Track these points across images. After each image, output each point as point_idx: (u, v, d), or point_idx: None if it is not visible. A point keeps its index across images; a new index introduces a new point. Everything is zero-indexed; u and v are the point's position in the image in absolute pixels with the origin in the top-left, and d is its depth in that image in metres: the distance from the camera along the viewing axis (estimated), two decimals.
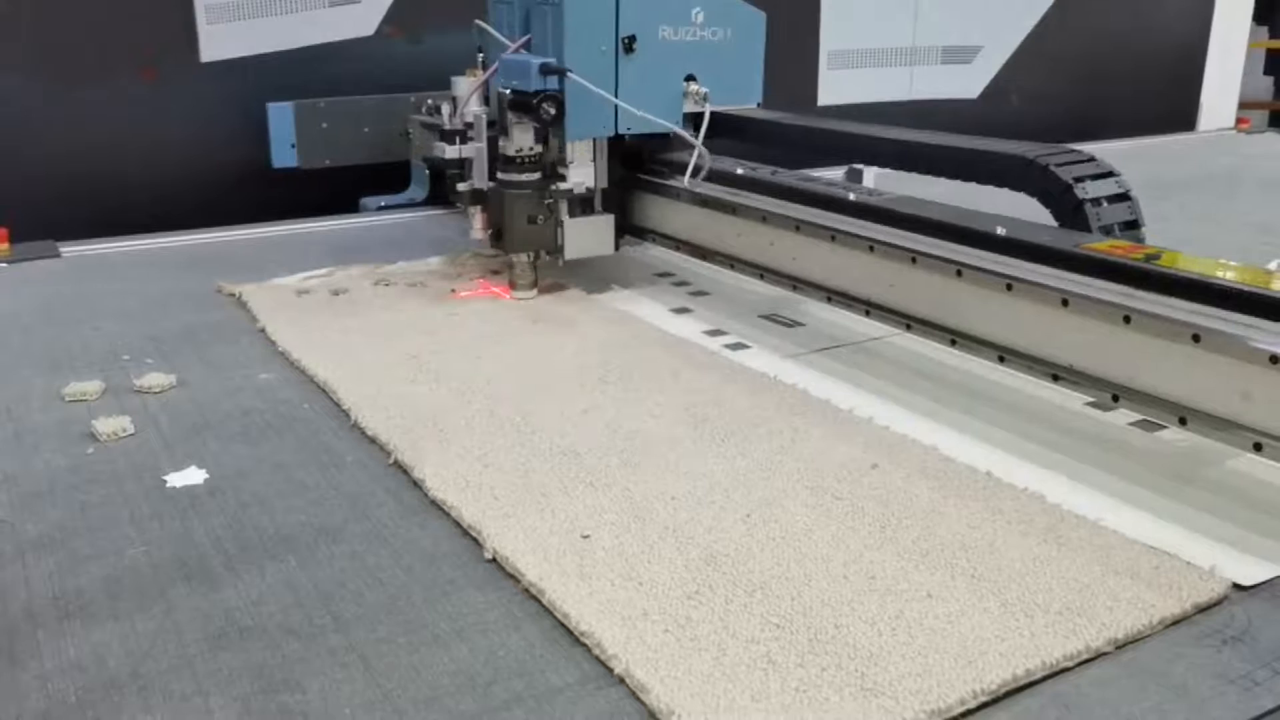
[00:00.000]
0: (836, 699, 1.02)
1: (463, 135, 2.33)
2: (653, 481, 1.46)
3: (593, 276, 2.50)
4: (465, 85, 2.38)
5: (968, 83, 4.74)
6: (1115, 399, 1.53)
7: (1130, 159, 4.32)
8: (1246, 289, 1.39)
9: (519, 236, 2.30)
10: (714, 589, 1.20)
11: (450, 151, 2.33)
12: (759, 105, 2.47)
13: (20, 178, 2.99)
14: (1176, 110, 5.47)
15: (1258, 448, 1.35)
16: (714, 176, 2.27)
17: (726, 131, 2.36)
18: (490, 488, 1.44)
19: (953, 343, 1.78)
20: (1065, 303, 1.57)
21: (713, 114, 2.32)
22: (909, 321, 1.86)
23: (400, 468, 1.52)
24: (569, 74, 2.16)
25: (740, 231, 2.26)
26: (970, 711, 1.01)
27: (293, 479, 1.50)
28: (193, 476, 1.50)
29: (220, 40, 3.22)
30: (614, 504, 1.40)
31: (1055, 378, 1.61)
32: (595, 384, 1.82)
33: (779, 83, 4.16)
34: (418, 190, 3.39)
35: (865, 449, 1.58)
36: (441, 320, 2.17)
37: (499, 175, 2.30)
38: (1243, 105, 5.69)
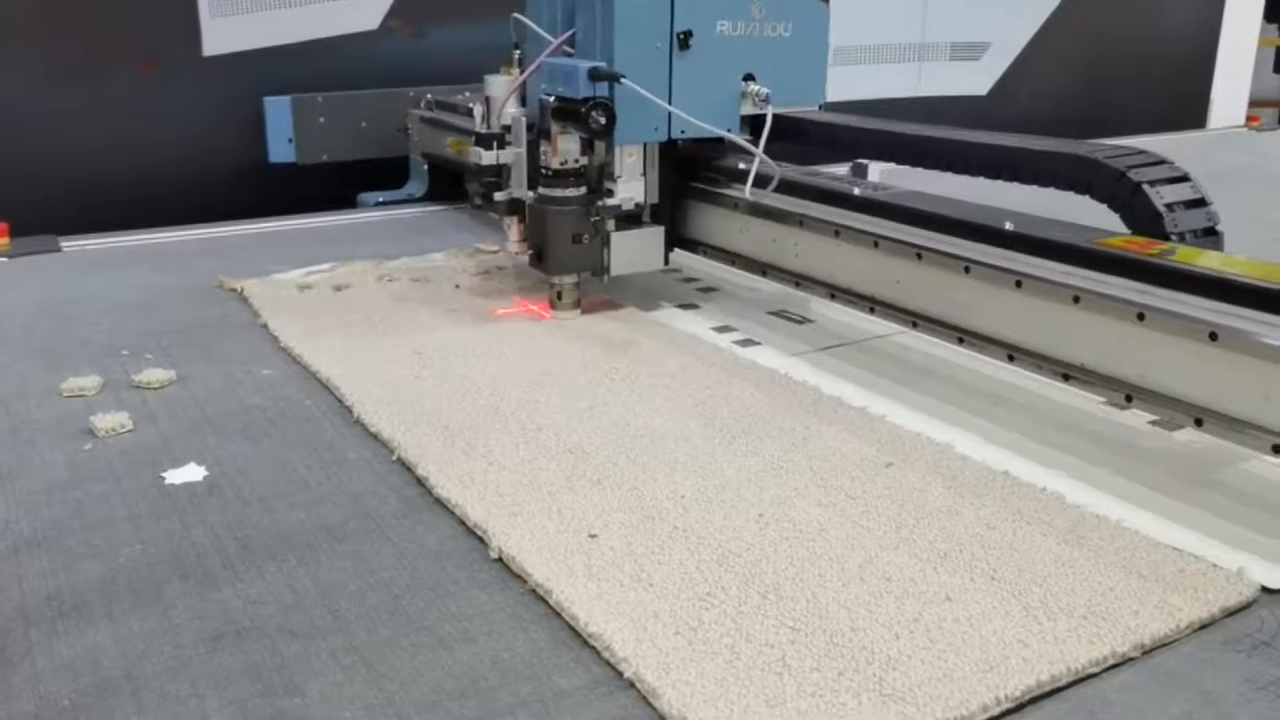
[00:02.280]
0: (854, 704, 0.98)
1: (500, 139, 2.14)
2: (662, 480, 1.43)
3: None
4: (501, 85, 2.16)
5: (976, 79, 4.70)
6: (1129, 399, 1.48)
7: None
8: (1265, 285, 1.35)
9: (562, 257, 2.10)
10: (726, 590, 1.17)
11: (487, 158, 2.14)
12: (821, 107, 2.27)
13: (20, 172, 2.96)
14: (1186, 108, 5.43)
15: (1277, 450, 1.31)
16: (738, 178, 2.17)
17: (788, 135, 2.16)
18: (495, 485, 1.41)
19: (960, 341, 1.74)
20: (1076, 299, 1.52)
21: (775, 116, 2.12)
22: (915, 319, 1.82)
23: (403, 465, 1.49)
24: (623, 80, 1.94)
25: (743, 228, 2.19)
26: (994, 718, 0.98)
27: (294, 476, 1.47)
28: (192, 474, 1.47)
29: (223, 34, 3.19)
30: (623, 503, 1.37)
31: (1066, 377, 1.56)
32: (602, 380, 1.79)
33: None
34: (416, 186, 3.36)
35: (878, 447, 1.54)
36: (445, 320, 2.14)
37: (540, 190, 2.09)
38: (1253, 103, 5.65)
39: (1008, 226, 1.67)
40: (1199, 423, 1.39)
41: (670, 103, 2.05)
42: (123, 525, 1.33)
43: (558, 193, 2.07)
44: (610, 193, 2.12)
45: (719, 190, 2.26)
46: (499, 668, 1.06)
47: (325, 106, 3.25)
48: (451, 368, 1.84)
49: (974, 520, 1.32)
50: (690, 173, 2.33)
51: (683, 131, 2.08)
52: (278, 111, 3.20)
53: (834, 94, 4.29)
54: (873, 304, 1.90)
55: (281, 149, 3.22)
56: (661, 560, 1.23)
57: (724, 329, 2.10)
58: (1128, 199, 1.64)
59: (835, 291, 1.99)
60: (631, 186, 2.13)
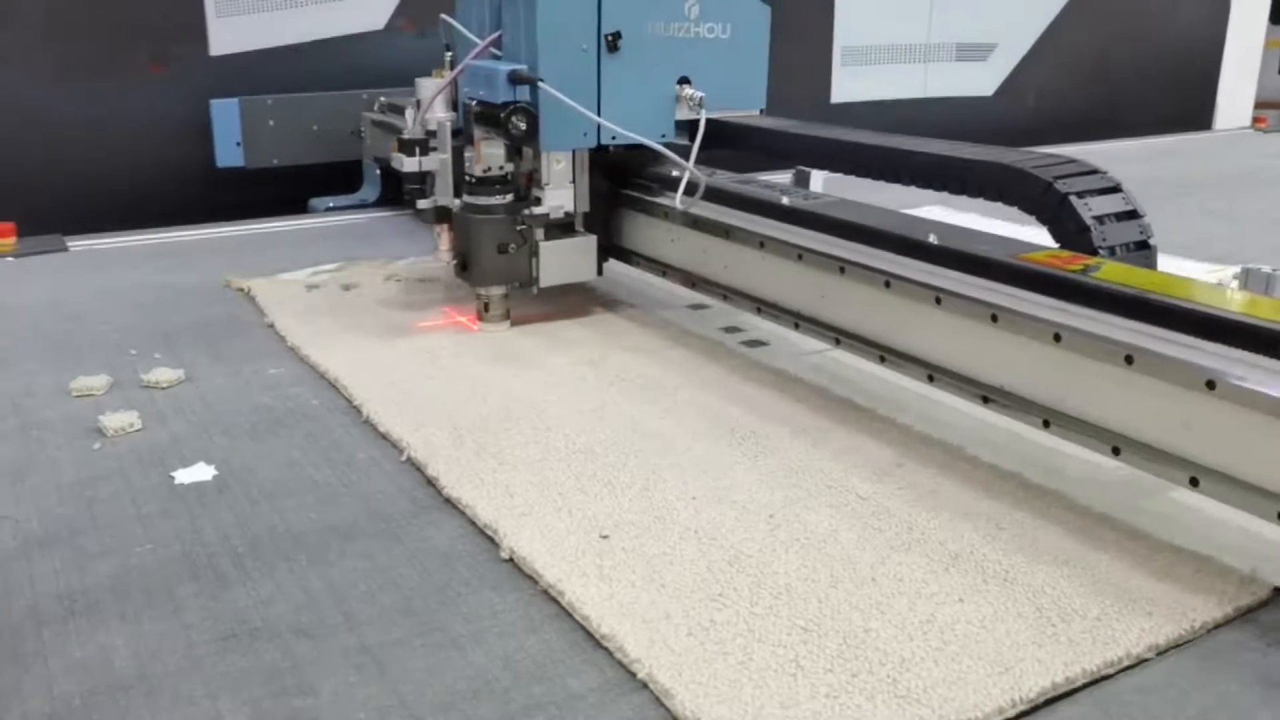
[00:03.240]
0: (869, 706, 0.98)
1: (424, 145, 2.03)
2: (672, 481, 1.43)
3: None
4: (430, 87, 2.07)
5: (983, 80, 4.70)
6: (1046, 425, 1.39)
7: (1148, 157, 4.30)
8: (1185, 305, 1.24)
9: (488, 268, 2.00)
10: (738, 591, 1.17)
11: (408, 164, 2.02)
12: (762, 111, 2.17)
13: (27, 172, 2.96)
14: (1192, 109, 5.42)
15: (1195, 483, 1.21)
16: (670, 184, 2.01)
17: (725, 141, 2.05)
18: (505, 486, 1.41)
19: (881, 360, 1.65)
20: (994, 318, 1.43)
21: (709, 122, 2.01)
22: (839, 336, 1.73)
23: (413, 465, 1.49)
24: (541, 84, 1.86)
25: (675, 239, 2.08)
26: None
27: (303, 476, 1.47)
28: (201, 473, 1.47)
29: (230, 34, 3.19)
30: (633, 504, 1.36)
31: (985, 399, 1.48)
32: (612, 381, 1.78)
33: (792, 80, 4.15)
34: (369, 191, 3.27)
35: (889, 448, 1.54)
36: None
37: (465, 198, 2.00)
38: (1259, 104, 5.64)
39: (931, 239, 1.58)
40: (1116, 451, 1.30)
41: (600, 107, 1.94)
42: (133, 525, 1.33)
43: (482, 200, 1.98)
44: (538, 200, 2.02)
45: (651, 199, 2.15)
46: (511, 669, 1.06)
47: (275, 109, 3.15)
48: (461, 368, 1.84)
49: (986, 522, 1.32)
50: (623, 180, 2.21)
51: (613, 138, 1.98)
52: (225, 114, 3.10)
53: (840, 95, 4.32)
54: (798, 319, 1.81)
55: (229, 153, 3.12)
56: (673, 561, 1.23)
57: (731, 329, 2.09)
58: (1055, 211, 1.54)
59: (762, 306, 1.89)
60: (560, 194, 2.02)
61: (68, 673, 1.05)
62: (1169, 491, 1.39)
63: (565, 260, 2.08)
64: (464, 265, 2.03)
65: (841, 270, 1.70)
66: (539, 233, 2.03)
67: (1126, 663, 1.05)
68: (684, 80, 2.05)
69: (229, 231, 2.95)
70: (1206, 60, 5.45)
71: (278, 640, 1.10)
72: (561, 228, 2.08)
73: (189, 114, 3.11)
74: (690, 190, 1.91)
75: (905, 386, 1.78)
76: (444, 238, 2.09)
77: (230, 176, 3.15)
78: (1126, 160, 4.14)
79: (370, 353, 1.91)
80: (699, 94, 2.03)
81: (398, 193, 3.12)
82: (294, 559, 1.25)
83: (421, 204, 2.07)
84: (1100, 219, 1.51)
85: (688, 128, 2.03)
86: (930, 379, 1.57)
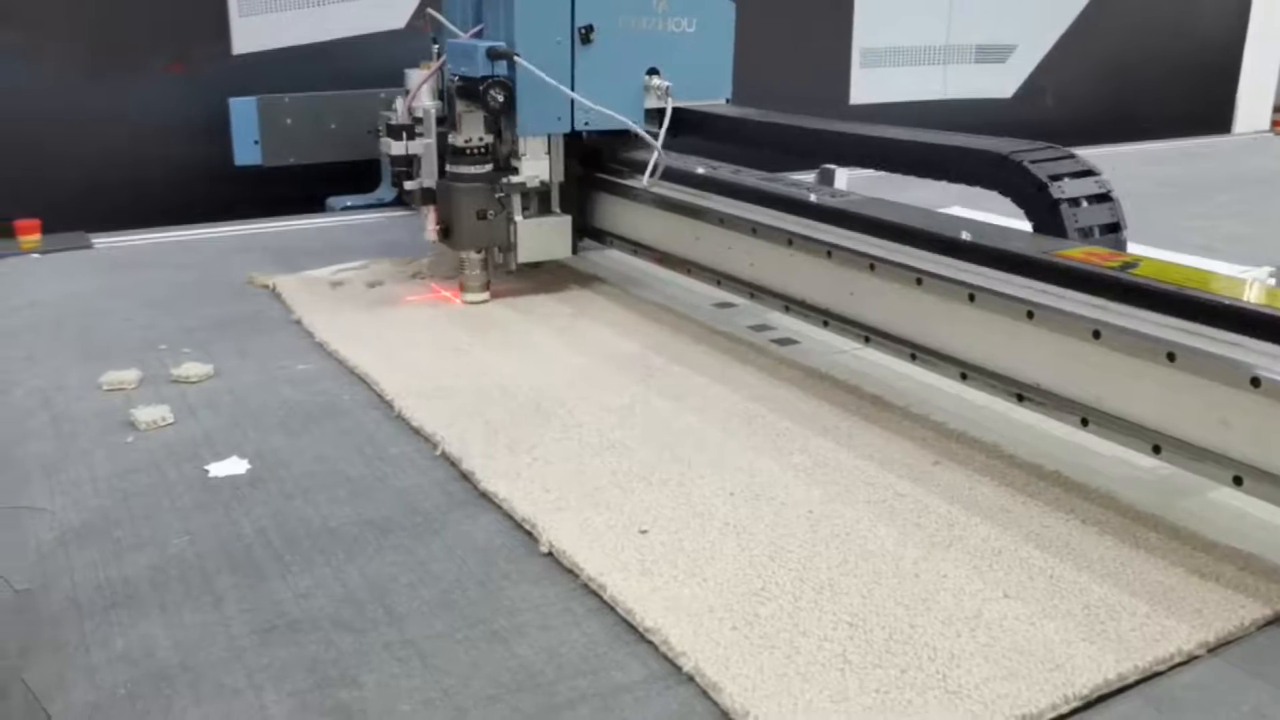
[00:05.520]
0: (920, 701, 0.97)
1: (410, 130, 2.19)
2: (709, 477, 1.42)
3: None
4: (417, 77, 2.25)
5: (1002, 82, 4.68)
6: (1085, 423, 1.37)
7: (1167, 159, 4.28)
8: (1227, 302, 1.23)
9: (468, 232, 2.14)
10: (781, 586, 1.16)
11: (396, 148, 2.19)
12: (728, 101, 2.33)
13: (51, 169, 2.97)
14: (1212, 112, 5.40)
15: (1238, 481, 1.20)
16: (674, 176, 2.15)
17: (691, 129, 2.22)
18: (541, 481, 1.40)
19: (913, 357, 1.64)
20: (1030, 315, 1.41)
21: (676, 110, 2.18)
22: (868, 334, 1.72)
23: (447, 459, 1.48)
24: (517, 58, 2.03)
25: (699, 235, 2.10)
26: (1062, 717, 0.96)
27: (336, 470, 1.46)
28: (234, 466, 1.46)
29: (252, 32, 3.19)
30: (670, 499, 1.36)
31: (1020, 398, 1.46)
32: (642, 377, 1.78)
33: (811, 81, 4.14)
34: (386, 190, 3.25)
35: (924, 446, 1.53)
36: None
37: (447, 168, 2.17)
38: (1278, 108, 5.61)
39: (964, 236, 1.56)
40: (1157, 450, 1.28)
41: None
42: (169, 517, 1.32)
43: (464, 169, 2.13)
44: (516, 172, 2.17)
45: (622, 181, 2.33)
46: (556, 662, 1.05)
47: (292, 107, 3.15)
48: (491, 364, 1.83)
49: (1027, 519, 1.31)
50: (597, 164, 2.39)
51: (586, 123, 2.15)
52: (243, 113, 3.11)
53: (859, 96, 4.31)
54: (827, 317, 1.80)
55: (247, 151, 3.12)
56: (714, 556, 1.22)
57: (760, 328, 2.08)
58: (1032, 194, 1.59)
59: (790, 303, 1.89)
60: (537, 165, 2.18)
61: (110, 663, 1.04)
62: (1208, 491, 1.37)
63: (543, 237, 2.24)
64: (446, 232, 2.18)
65: (871, 267, 1.68)
66: (517, 208, 2.18)
67: (1178, 659, 1.04)
68: (653, 71, 2.21)
69: (251, 229, 2.95)
70: (1226, 63, 5.43)
71: (319, 632, 1.09)
72: (539, 205, 2.24)
73: (211, 112, 3.11)
74: (654, 171, 2.12)
75: (937, 386, 1.77)
76: (431, 216, 2.22)
77: (252, 175, 3.14)
78: (1145, 162, 4.13)
79: (399, 348, 1.90)
80: (666, 84, 2.20)
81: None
82: (331, 552, 1.25)
83: (409, 185, 2.22)
84: (1074, 200, 1.56)
85: (656, 116, 2.20)
86: (964, 377, 1.55)
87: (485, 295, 2.21)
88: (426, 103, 2.20)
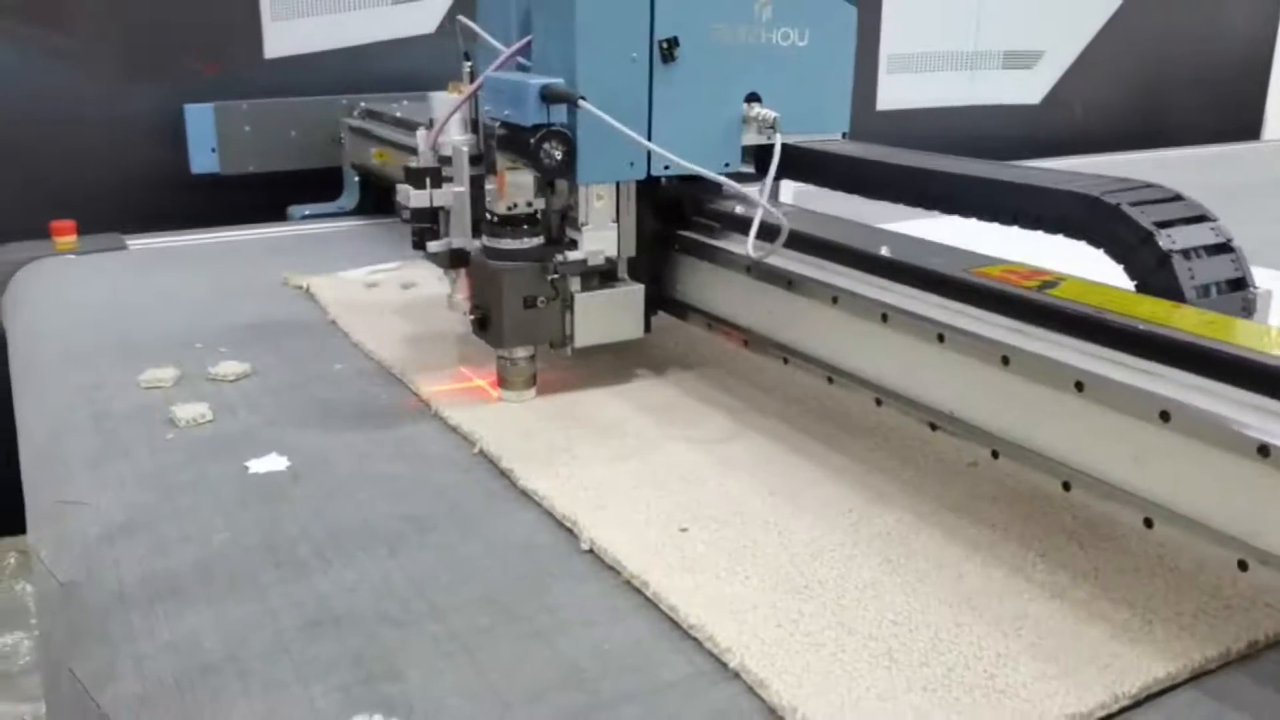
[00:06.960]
0: (968, 700, 0.96)
1: (435, 175, 1.63)
2: (745, 477, 1.42)
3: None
4: (445, 104, 1.68)
5: (1029, 88, 4.67)
6: (995, 455, 1.32)
7: (1197, 167, 4.26)
8: (1142, 327, 1.14)
9: (512, 326, 1.61)
10: (824, 584, 1.15)
11: (417, 198, 1.63)
12: (845, 136, 1.80)
13: (87, 171, 3.00)
14: (1242, 119, 5.36)
15: (1149, 524, 1.15)
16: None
17: (802, 170, 1.71)
18: (579, 480, 1.40)
19: (829, 380, 1.56)
20: (941, 338, 1.34)
21: (785, 148, 1.63)
22: (786, 355, 1.63)
23: (485, 458, 1.49)
24: (582, 103, 1.49)
25: None
26: (1111, 716, 0.96)
27: (375, 468, 1.47)
28: (275, 463, 1.47)
29: (285, 36, 3.22)
30: (709, 498, 1.36)
31: (933, 426, 1.39)
32: (675, 379, 1.78)
33: None
34: (348, 199, 3.21)
35: (959, 447, 1.52)
36: None
37: (485, 241, 1.61)
38: None
39: (883, 252, 1.47)
40: (1067, 487, 1.22)
41: (651, 129, 1.58)
42: (211, 512, 1.33)
43: (507, 244, 1.59)
44: (574, 244, 1.65)
45: (714, 243, 1.77)
46: (600, 658, 1.05)
47: (251, 114, 3.10)
48: None
49: (1070, 520, 1.30)
50: (678, 217, 1.83)
51: (666, 167, 1.59)
52: (199, 119, 3.04)
53: (885, 102, 4.31)
54: (746, 336, 1.71)
55: (204, 159, 3.06)
56: (755, 555, 1.22)
57: None
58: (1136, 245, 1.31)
59: (712, 322, 1.78)
60: (601, 237, 1.64)
61: (157, 654, 1.05)
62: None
63: (606, 315, 1.70)
64: (483, 322, 1.65)
65: (789, 285, 1.59)
66: (574, 282, 1.65)
67: (1230, 657, 1.03)
68: (753, 97, 1.68)
69: (284, 231, 2.97)
70: (1256, 71, 5.40)
71: (364, 627, 1.10)
72: (602, 276, 1.71)
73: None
74: (769, 234, 1.55)
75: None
76: (461, 283, 1.71)
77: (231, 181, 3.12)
78: (1175, 168, 4.10)
79: (435, 349, 1.91)
80: (772, 114, 1.65)
81: (376, 200, 3.05)
82: (373, 549, 1.25)
83: (433, 246, 1.68)
84: (1187, 252, 1.29)
85: (756, 154, 1.70)
86: (879, 403, 1.49)
87: (531, 392, 1.68)
88: (456, 137, 1.66)
